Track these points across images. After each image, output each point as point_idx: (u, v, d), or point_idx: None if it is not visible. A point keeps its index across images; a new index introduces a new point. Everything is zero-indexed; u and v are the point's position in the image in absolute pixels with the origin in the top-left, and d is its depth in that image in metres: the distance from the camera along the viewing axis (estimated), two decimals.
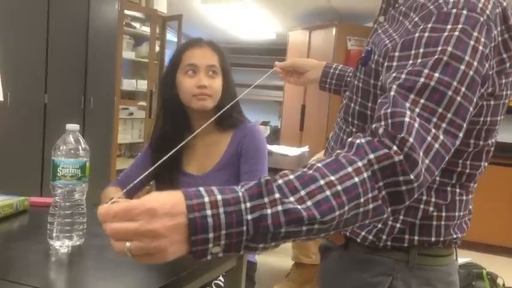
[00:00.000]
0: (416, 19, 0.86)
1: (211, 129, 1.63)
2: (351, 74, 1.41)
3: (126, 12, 5.00)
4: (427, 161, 0.74)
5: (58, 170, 1.09)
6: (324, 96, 5.12)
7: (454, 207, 0.96)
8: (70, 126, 1.12)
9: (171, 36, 6.05)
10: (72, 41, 4.29)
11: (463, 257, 3.01)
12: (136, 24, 5.39)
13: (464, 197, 0.97)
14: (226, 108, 1.30)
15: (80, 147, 1.11)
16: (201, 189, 0.67)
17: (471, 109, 0.80)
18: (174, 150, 0.95)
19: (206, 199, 0.65)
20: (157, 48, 5.51)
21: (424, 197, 0.93)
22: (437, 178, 0.92)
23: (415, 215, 0.93)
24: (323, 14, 5.56)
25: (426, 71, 0.77)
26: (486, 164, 0.97)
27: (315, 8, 5.46)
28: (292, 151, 3.56)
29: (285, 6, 5.64)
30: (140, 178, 0.94)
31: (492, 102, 0.88)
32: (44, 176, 3.99)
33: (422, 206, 0.93)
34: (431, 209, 0.93)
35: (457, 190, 0.95)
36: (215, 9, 5.68)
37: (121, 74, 4.96)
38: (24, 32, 3.85)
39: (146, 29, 5.38)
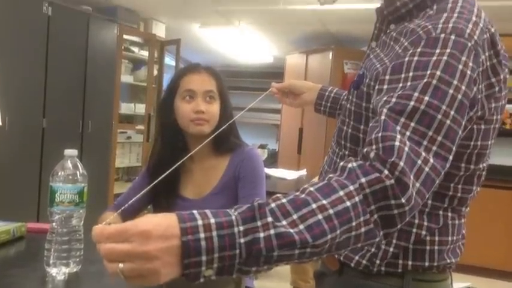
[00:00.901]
0: (406, 44, 0.87)
1: (209, 153, 1.63)
2: (345, 97, 1.43)
3: (125, 36, 5.05)
4: (417, 185, 0.75)
5: (56, 196, 1.09)
6: (322, 119, 5.14)
7: (447, 231, 0.96)
8: (68, 152, 1.13)
9: (169, 60, 6.10)
10: (71, 65, 4.32)
11: (462, 282, 2.99)
12: (135, 49, 5.44)
13: (456, 221, 0.97)
14: (222, 128, 1.31)
15: (78, 172, 1.12)
16: (195, 212, 0.68)
17: (460, 132, 0.81)
18: (170, 170, 0.96)
19: (200, 222, 0.66)
20: (155, 72, 5.55)
21: (417, 221, 0.93)
22: (429, 202, 0.93)
23: (408, 239, 0.94)
24: (320, 38, 5.63)
25: (416, 94, 0.79)
26: (478, 188, 0.98)
27: (311, 33, 5.53)
28: (290, 174, 3.56)
29: (282, 31, 5.71)
30: (137, 197, 0.94)
31: (483, 126, 0.89)
32: (40, 200, 3.97)
33: (414, 230, 0.93)
34: (423, 232, 0.94)
35: (449, 214, 0.95)
36: (213, 33, 5.75)
37: (119, 98, 4.98)
38: (23, 56, 3.88)
39: (145, 53, 5.43)
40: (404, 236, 0.93)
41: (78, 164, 1.13)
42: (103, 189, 4.66)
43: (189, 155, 1.12)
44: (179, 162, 1.02)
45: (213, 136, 1.30)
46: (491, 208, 3.98)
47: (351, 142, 1.01)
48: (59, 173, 1.11)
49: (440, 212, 0.94)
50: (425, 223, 0.93)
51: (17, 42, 3.82)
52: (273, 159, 6.35)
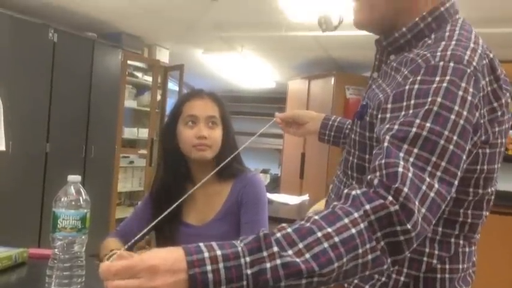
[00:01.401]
0: (406, 72, 0.88)
1: (212, 179, 1.63)
2: (349, 126, 1.44)
3: (129, 62, 5.11)
4: (423, 210, 0.74)
5: (58, 222, 1.09)
6: (324, 145, 5.14)
7: (458, 259, 0.95)
8: (71, 178, 1.13)
9: (172, 85, 6.15)
10: (76, 91, 4.37)
11: None
12: (139, 74, 5.50)
13: (467, 249, 0.96)
14: (226, 161, 1.32)
15: (81, 198, 1.12)
16: (201, 244, 0.68)
17: (464, 157, 0.81)
18: (175, 204, 0.96)
19: (206, 254, 0.66)
20: (158, 97, 5.59)
21: (427, 249, 0.92)
22: (440, 229, 0.92)
23: (419, 268, 0.93)
24: (322, 64, 5.68)
25: (418, 121, 0.79)
26: (487, 213, 0.98)
27: (313, 58, 5.58)
28: (293, 200, 3.54)
29: (284, 56, 5.77)
30: (140, 236, 0.94)
31: (488, 151, 0.90)
32: (42, 226, 3.96)
33: (425, 259, 0.92)
34: (434, 261, 0.93)
35: (461, 241, 0.94)
36: (216, 59, 5.81)
37: (122, 123, 5.01)
38: (28, 81, 3.92)
39: (148, 79, 5.48)
40: (415, 265, 0.92)
41: (81, 189, 1.13)
42: (105, 214, 4.64)
43: (194, 188, 1.13)
44: (184, 197, 1.02)
45: (218, 168, 1.30)
46: (497, 234, 3.94)
47: (357, 172, 1.01)
48: (62, 199, 1.11)
49: (452, 240, 0.94)
50: (436, 251, 0.93)
51: (23, 68, 3.87)
52: (275, 184, 6.34)
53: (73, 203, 1.11)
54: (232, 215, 1.61)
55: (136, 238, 0.93)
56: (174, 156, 1.65)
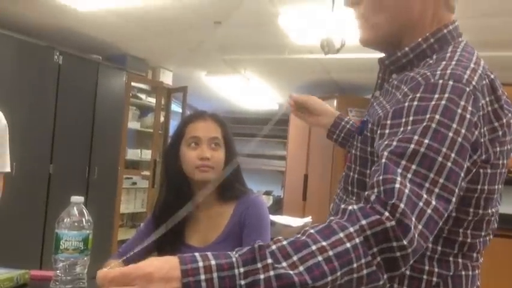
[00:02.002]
0: (405, 90, 0.89)
1: (214, 201, 1.64)
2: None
3: (133, 84, 5.15)
4: (420, 227, 0.74)
5: (61, 243, 1.09)
6: (327, 166, 5.15)
7: (461, 282, 0.94)
8: (75, 199, 1.14)
9: (176, 107, 6.19)
10: (80, 112, 4.40)
11: None
12: (143, 96, 5.54)
13: (470, 272, 0.95)
14: (227, 174, 1.32)
15: (83, 219, 1.12)
16: (197, 254, 0.69)
17: (462, 174, 0.81)
18: (176, 221, 0.96)
19: (200, 264, 0.67)
20: (162, 119, 5.62)
21: (427, 267, 0.92)
22: (439, 248, 0.92)
23: (419, 287, 0.92)
24: (324, 86, 5.71)
25: (416, 137, 0.80)
26: (491, 236, 0.97)
27: (316, 81, 5.62)
28: (295, 221, 3.52)
29: (286, 79, 5.81)
30: (141, 247, 0.94)
31: (489, 171, 0.89)
32: (44, 247, 3.94)
33: (425, 277, 0.92)
34: (435, 279, 0.92)
35: (460, 260, 0.94)
36: (219, 81, 5.85)
37: (126, 144, 5.03)
38: (33, 103, 3.96)
39: (152, 100, 5.52)
40: (415, 283, 0.92)
41: (84, 210, 1.13)
42: (107, 235, 4.63)
43: (194, 202, 1.14)
44: (184, 211, 1.02)
45: (219, 181, 1.30)
46: (502, 258, 3.90)
47: (357, 187, 1.01)
48: (65, 220, 1.11)
49: (451, 259, 0.93)
50: (436, 269, 0.92)
51: (27, 89, 3.91)
52: (278, 206, 6.31)
53: (76, 224, 1.11)
54: (235, 237, 1.60)
55: (135, 251, 0.93)
56: (177, 177, 1.65)
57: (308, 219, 3.71)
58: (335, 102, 5.39)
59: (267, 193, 7.13)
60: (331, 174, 5.12)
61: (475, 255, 0.96)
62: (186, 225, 1.64)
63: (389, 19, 1.00)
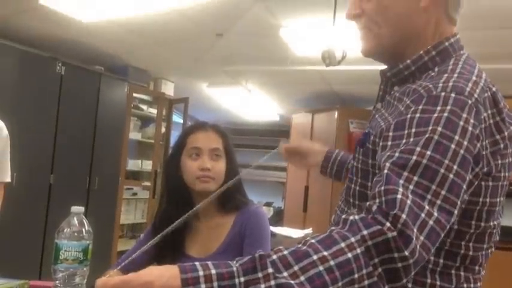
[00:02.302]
0: (408, 102, 0.89)
1: (215, 212, 1.63)
2: (351, 161, 1.44)
3: (135, 95, 5.17)
4: (421, 238, 0.74)
5: (60, 253, 1.09)
6: (328, 178, 5.13)
7: None
8: (75, 209, 1.13)
9: (177, 118, 6.20)
10: (81, 123, 4.41)
11: None
12: (144, 106, 5.55)
13: (472, 285, 0.94)
14: (228, 185, 1.32)
15: (83, 229, 1.12)
16: (197, 263, 0.69)
17: (464, 186, 0.81)
18: (172, 226, 0.96)
19: (201, 273, 0.67)
20: (163, 130, 5.63)
21: (429, 280, 0.91)
22: (441, 261, 0.91)
23: None
24: (325, 97, 5.73)
25: (418, 149, 0.80)
26: (492, 248, 0.97)
27: (317, 92, 5.64)
28: (296, 233, 3.51)
29: (288, 90, 5.83)
30: (139, 252, 0.94)
31: (490, 183, 0.89)
32: (44, 257, 3.93)
33: None
34: None
35: (462, 273, 0.93)
36: (220, 92, 5.87)
37: (127, 155, 5.03)
38: (34, 113, 3.97)
39: (153, 111, 5.53)
40: None
41: (84, 221, 1.13)
42: (107, 246, 4.61)
43: (193, 210, 1.13)
44: (181, 219, 1.02)
45: (217, 192, 1.30)
46: (504, 271, 3.88)
47: (359, 199, 1.01)
48: (65, 230, 1.11)
49: (453, 271, 0.92)
50: (438, 282, 0.91)
51: (29, 100, 3.92)
52: (278, 217, 6.29)
53: (75, 234, 1.11)
54: (235, 248, 1.59)
55: (132, 257, 0.93)
56: (177, 188, 1.65)
57: (309, 230, 3.70)
58: (336, 113, 5.40)
59: (268, 204, 7.12)
60: (332, 186, 5.11)
61: (477, 268, 0.95)
62: (186, 235, 1.64)
63: (392, 30, 1.00)
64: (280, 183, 7.21)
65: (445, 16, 1.00)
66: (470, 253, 0.93)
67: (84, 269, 1.11)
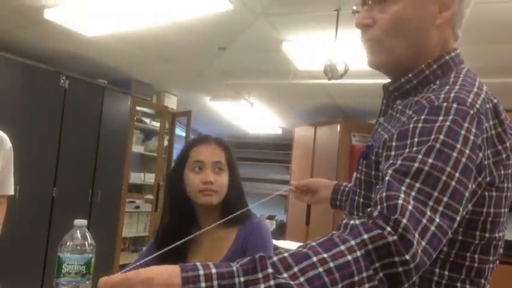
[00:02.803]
0: (410, 113, 0.91)
1: (217, 224, 1.63)
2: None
3: (138, 108, 5.19)
4: (423, 243, 0.74)
5: (63, 267, 1.09)
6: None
7: None
8: (78, 222, 1.13)
9: (180, 131, 6.21)
10: (84, 136, 4.42)
11: None
12: (147, 120, 5.57)
13: None
14: (236, 214, 1.32)
15: (86, 243, 1.12)
16: (198, 263, 0.70)
17: (467, 194, 0.81)
18: (177, 243, 0.97)
19: (201, 272, 0.68)
20: (166, 143, 5.64)
21: None
22: (446, 273, 0.91)
23: None
24: (328, 111, 5.74)
25: (420, 156, 0.80)
26: (497, 261, 0.96)
27: (319, 106, 5.65)
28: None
29: (290, 104, 5.85)
30: (141, 262, 0.94)
31: (494, 194, 0.90)
32: (45, 271, 3.92)
33: None
34: None
35: (467, 286, 0.93)
36: (223, 105, 5.89)
37: (129, 168, 5.04)
38: (38, 126, 3.98)
39: (156, 124, 5.55)
40: None
41: (87, 234, 1.13)
42: (109, 259, 4.60)
43: (199, 232, 1.14)
44: (187, 238, 1.02)
45: (227, 218, 1.31)
46: (508, 285, 3.84)
47: (363, 212, 1.01)
48: (68, 243, 1.11)
49: (458, 284, 0.92)
50: None
51: (33, 113, 3.94)
52: (281, 231, 6.28)
53: (78, 247, 1.11)
54: None
55: (131, 266, 0.93)
56: (180, 201, 1.65)
57: None
58: (338, 127, 5.41)
59: (270, 217, 7.10)
60: None
61: (482, 281, 0.95)
62: (189, 248, 1.64)
63: (406, 44, 1.00)
64: (282, 196, 7.20)
65: (451, 33, 1.02)
66: (476, 265, 0.92)
67: (87, 282, 1.11)
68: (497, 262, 0.97)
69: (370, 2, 1.01)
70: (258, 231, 1.62)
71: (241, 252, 1.60)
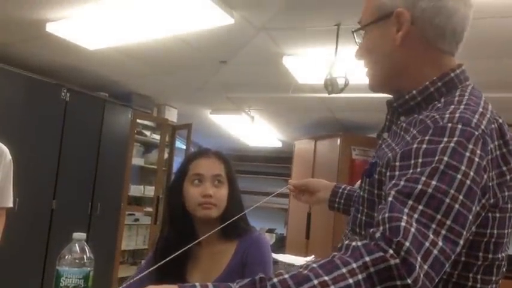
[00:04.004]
0: (414, 132, 0.90)
1: (216, 238, 1.62)
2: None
3: (138, 121, 5.20)
4: (425, 267, 0.73)
5: (61, 280, 1.08)
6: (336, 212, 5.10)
7: None
8: (77, 235, 1.13)
9: (180, 144, 6.22)
10: (85, 148, 4.42)
11: None
12: (147, 132, 5.58)
13: None
14: (232, 219, 1.32)
15: (85, 256, 1.11)
16: (197, 284, 0.70)
17: (471, 217, 0.80)
18: (175, 254, 0.97)
19: None
20: (166, 155, 5.64)
21: None
22: None
23: None
24: (328, 124, 5.75)
25: (423, 178, 0.80)
26: (500, 281, 0.95)
27: (319, 119, 5.66)
28: (298, 260, 3.48)
29: (290, 117, 5.86)
30: (140, 276, 0.94)
31: (498, 215, 0.89)
32: (44, 283, 3.89)
33: None
34: None
35: None
36: (223, 118, 5.90)
37: (129, 180, 5.03)
38: (38, 138, 3.99)
39: (156, 137, 5.56)
40: None
41: (85, 247, 1.13)
42: (108, 272, 4.57)
43: (195, 242, 1.13)
44: (184, 249, 1.02)
45: (224, 225, 1.30)
46: None
47: (365, 230, 1.01)
48: (66, 257, 1.10)
49: None
50: None
51: (34, 126, 3.95)
52: (280, 244, 6.24)
53: (77, 261, 1.10)
54: (237, 275, 1.58)
55: (130, 280, 0.93)
56: (179, 214, 1.64)
57: (311, 258, 3.67)
58: (338, 140, 5.41)
59: (270, 231, 7.06)
60: (335, 213, 5.07)
61: None
62: (188, 262, 1.63)
63: (379, 69, 1.07)
64: (282, 209, 7.18)
65: (431, 48, 1.01)
66: (479, 285, 0.91)
67: None
68: (500, 282, 0.96)
69: (359, 40, 1.11)
70: (257, 245, 1.61)
71: (240, 266, 1.59)
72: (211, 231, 1.54)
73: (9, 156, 2.32)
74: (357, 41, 1.11)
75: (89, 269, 1.11)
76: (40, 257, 3.94)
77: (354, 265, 0.71)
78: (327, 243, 4.95)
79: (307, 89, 4.29)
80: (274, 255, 2.89)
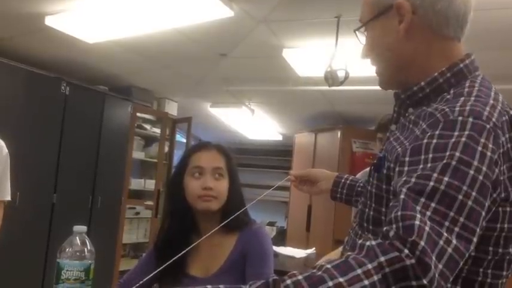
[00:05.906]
0: (424, 126, 0.88)
1: (217, 230, 1.62)
2: (361, 185, 1.44)
3: (138, 114, 5.20)
4: (440, 266, 0.72)
5: (62, 273, 1.09)
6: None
7: None
8: (77, 228, 1.13)
9: (180, 137, 6.22)
10: (85, 142, 4.42)
11: None
12: (147, 126, 5.58)
13: None
14: (235, 215, 1.32)
15: (85, 249, 1.12)
16: (209, 286, 0.70)
17: (483, 213, 0.79)
18: (179, 255, 0.96)
19: None
20: (166, 149, 5.64)
21: None
22: None
23: None
24: (328, 117, 5.75)
25: (435, 175, 0.78)
26: (510, 276, 0.94)
27: (320, 112, 5.66)
28: (299, 253, 3.49)
29: (290, 110, 5.85)
30: (142, 282, 0.94)
31: (508, 209, 0.87)
32: (45, 277, 3.91)
33: None
34: None
35: None
36: (223, 112, 5.90)
37: (130, 174, 5.04)
38: (38, 132, 3.99)
39: (157, 130, 5.56)
40: None
41: (86, 240, 1.13)
42: (109, 265, 4.58)
43: (199, 240, 1.13)
44: (188, 248, 1.02)
45: (226, 222, 1.30)
46: None
47: (373, 224, 1.00)
48: (67, 249, 1.11)
49: None
50: None
51: (34, 119, 3.95)
52: (281, 237, 6.25)
53: (78, 253, 1.11)
54: (237, 268, 1.59)
55: (136, 286, 0.92)
56: (180, 207, 1.65)
57: (312, 250, 3.67)
58: (339, 133, 5.41)
59: (271, 224, 7.08)
60: (335, 205, 5.09)
61: None
62: (188, 254, 1.63)
63: (385, 65, 1.05)
64: (283, 202, 7.19)
65: (437, 36, 0.99)
66: (489, 280, 0.90)
67: None
68: (510, 276, 0.95)
69: (362, 39, 1.09)
70: (258, 238, 1.61)
71: (240, 259, 1.59)
72: (212, 224, 1.54)
73: (5, 150, 2.32)
74: (360, 41, 1.09)
75: (89, 261, 1.12)
76: (41, 250, 3.95)
77: (369, 266, 0.70)
78: (327, 235, 4.97)
79: (307, 81, 4.29)
80: (275, 248, 2.90)
